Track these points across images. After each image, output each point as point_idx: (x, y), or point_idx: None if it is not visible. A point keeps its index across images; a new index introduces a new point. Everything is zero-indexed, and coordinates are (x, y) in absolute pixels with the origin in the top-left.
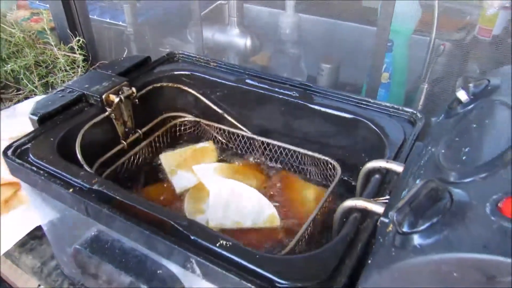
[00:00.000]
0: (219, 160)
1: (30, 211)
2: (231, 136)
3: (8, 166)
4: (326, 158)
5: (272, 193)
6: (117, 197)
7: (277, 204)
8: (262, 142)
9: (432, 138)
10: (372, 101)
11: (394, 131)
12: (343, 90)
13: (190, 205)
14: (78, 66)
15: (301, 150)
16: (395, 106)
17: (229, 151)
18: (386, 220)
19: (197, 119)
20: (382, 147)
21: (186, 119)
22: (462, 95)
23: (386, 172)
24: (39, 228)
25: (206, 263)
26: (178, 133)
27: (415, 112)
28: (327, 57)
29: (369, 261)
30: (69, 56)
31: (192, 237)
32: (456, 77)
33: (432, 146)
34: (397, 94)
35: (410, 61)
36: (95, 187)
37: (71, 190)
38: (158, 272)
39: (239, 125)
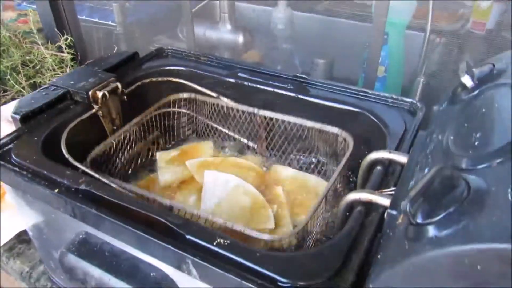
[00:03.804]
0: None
1: (18, 214)
2: (230, 112)
3: None
4: (335, 130)
5: (269, 189)
6: (106, 197)
7: (274, 204)
8: (265, 117)
9: (437, 125)
10: (370, 92)
11: (394, 122)
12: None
13: (179, 200)
14: (67, 66)
15: (308, 123)
16: (394, 96)
17: (227, 149)
18: (394, 212)
19: (192, 96)
20: (383, 138)
21: (180, 96)
22: (467, 81)
23: (389, 163)
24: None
25: (203, 263)
26: (168, 126)
27: (414, 101)
28: (321, 53)
29: (379, 256)
30: (57, 55)
31: (188, 236)
32: (451, 71)
33: (438, 134)
34: (393, 87)
35: (406, 55)
36: (82, 186)
37: (56, 190)
38: (151, 274)
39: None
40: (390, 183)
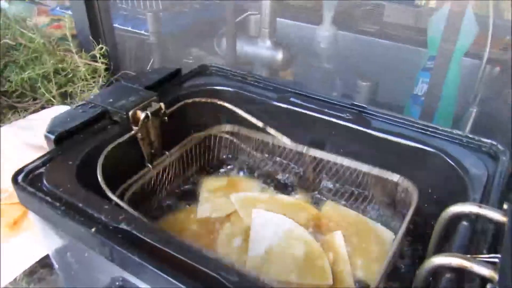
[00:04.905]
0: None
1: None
2: (275, 149)
3: (18, 195)
4: (396, 178)
5: (324, 233)
6: (149, 240)
7: (330, 251)
8: (315, 158)
9: None
10: (441, 128)
11: (473, 166)
12: None
13: (223, 241)
14: (100, 76)
15: (363, 168)
16: (470, 136)
17: (275, 183)
18: None
19: (235, 129)
20: (462, 187)
21: (222, 129)
22: None
23: (476, 219)
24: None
25: None
26: (211, 155)
27: (495, 143)
28: (364, 75)
29: None
30: (90, 64)
31: None
32: (504, 101)
33: None
34: (445, 117)
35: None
36: (122, 225)
37: (93, 229)
38: None
39: (283, 139)
40: (481, 245)
